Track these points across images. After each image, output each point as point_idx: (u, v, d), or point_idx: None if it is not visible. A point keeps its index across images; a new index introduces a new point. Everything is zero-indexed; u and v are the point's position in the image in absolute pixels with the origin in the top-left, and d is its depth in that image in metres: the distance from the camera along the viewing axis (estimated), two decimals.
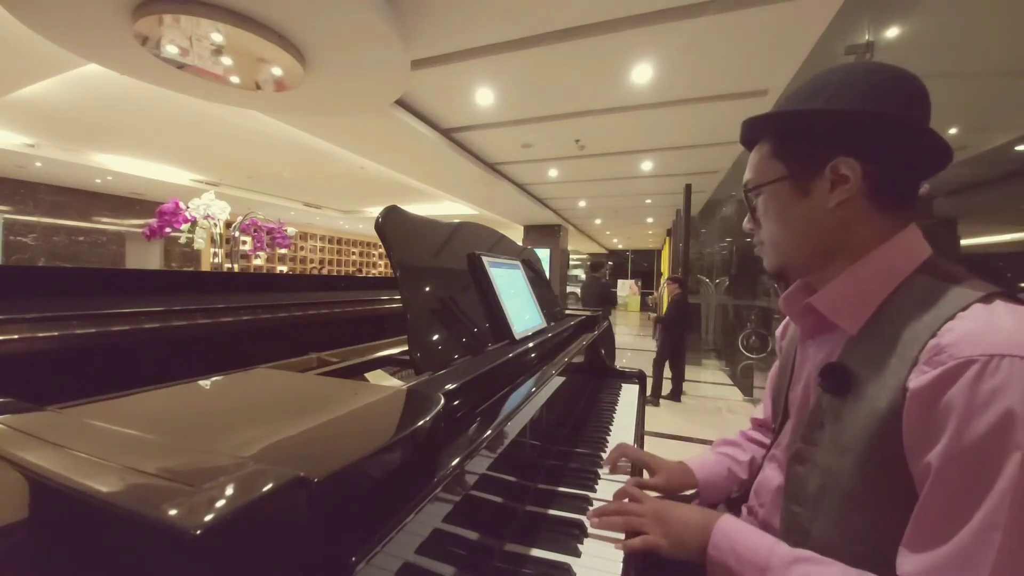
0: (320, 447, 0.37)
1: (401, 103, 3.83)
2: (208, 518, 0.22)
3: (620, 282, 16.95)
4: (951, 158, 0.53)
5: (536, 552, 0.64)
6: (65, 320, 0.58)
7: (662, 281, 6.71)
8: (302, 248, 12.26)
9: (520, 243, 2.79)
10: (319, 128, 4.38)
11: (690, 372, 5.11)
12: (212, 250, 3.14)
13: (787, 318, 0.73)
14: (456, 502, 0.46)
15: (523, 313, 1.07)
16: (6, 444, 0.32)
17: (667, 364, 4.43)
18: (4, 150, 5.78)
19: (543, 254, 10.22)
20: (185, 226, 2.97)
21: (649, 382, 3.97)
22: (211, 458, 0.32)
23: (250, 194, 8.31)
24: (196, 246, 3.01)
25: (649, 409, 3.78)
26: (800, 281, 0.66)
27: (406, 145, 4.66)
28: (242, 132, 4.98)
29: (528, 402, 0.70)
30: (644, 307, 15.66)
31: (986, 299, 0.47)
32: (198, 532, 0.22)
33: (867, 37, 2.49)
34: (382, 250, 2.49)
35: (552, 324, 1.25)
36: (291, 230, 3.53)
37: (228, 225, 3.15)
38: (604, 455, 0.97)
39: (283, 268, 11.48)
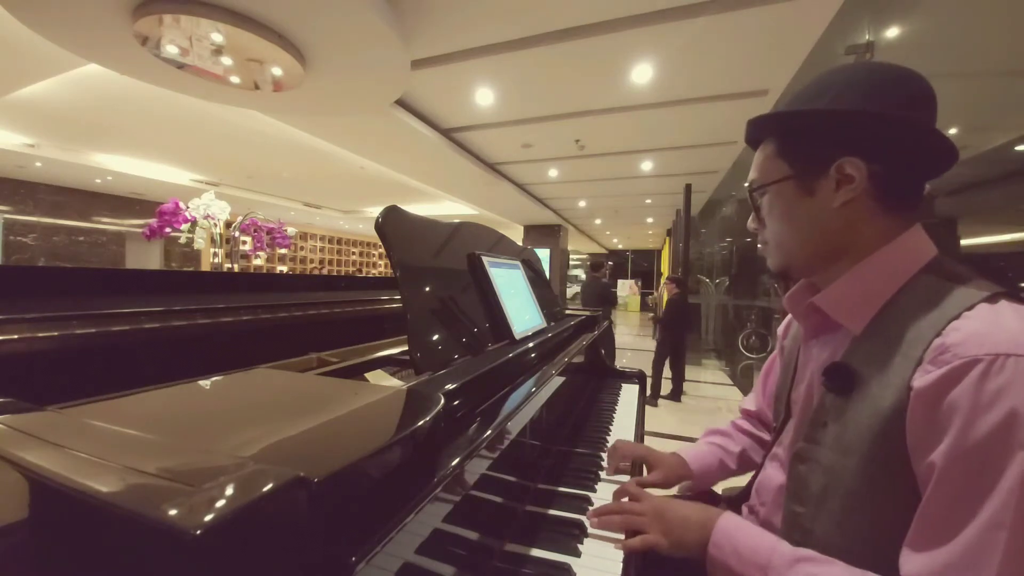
0: (320, 447, 0.37)
1: (401, 103, 3.83)
2: (208, 518, 0.22)
3: (620, 282, 16.95)
4: (956, 158, 0.53)
5: (536, 552, 0.64)
6: (65, 320, 0.58)
7: (662, 281, 6.71)
8: (302, 248, 12.26)
9: (520, 243, 2.78)
10: (319, 128, 4.38)
11: (690, 372, 5.11)
12: (212, 250, 3.14)
13: (789, 315, 0.72)
14: (456, 502, 0.46)
15: (523, 313, 1.07)
16: (6, 444, 0.32)
17: (667, 364, 4.43)
18: (4, 150, 5.78)
19: (543, 254, 10.22)
20: (185, 226, 2.97)
21: (649, 382, 3.97)
22: (211, 458, 0.32)
23: (250, 194, 8.31)
24: (196, 246, 3.01)
25: (649, 409, 3.78)
26: (804, 280, 0.66)
27: (406, 145, 4.66)
28: (242, 132, 4.98)
29: (528, 402, 0.70)
30: (644, 307, 15.68)
31: (991, 299, 0.47)
32: (198, 532, 0.22)
33: (867, 37, 2.49)
34: (382, 250, 2.49)
35: (552, 324, 1.25)
36: (291, 230, 3.53)
37: (228, 225, 3.15)
38: (604, 455, 0.97)
39: (283, 268, 11.48)
